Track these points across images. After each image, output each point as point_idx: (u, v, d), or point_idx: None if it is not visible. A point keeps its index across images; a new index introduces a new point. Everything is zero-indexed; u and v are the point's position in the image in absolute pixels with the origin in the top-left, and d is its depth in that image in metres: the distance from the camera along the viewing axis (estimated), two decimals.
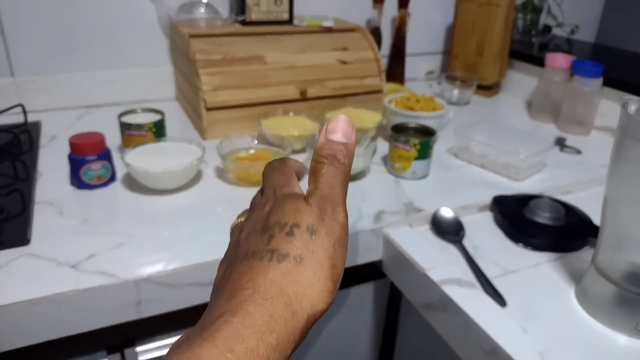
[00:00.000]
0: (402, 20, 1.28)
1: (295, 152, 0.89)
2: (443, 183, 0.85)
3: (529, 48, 1.38)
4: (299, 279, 0.27)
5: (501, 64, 1.30)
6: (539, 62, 1.24)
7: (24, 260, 0.60)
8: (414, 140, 0.82)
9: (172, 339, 0.67)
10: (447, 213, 0.74)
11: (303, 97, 1.01)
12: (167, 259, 0.61)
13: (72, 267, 0.59)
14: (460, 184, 0.85)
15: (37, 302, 0.55)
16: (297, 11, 1.16)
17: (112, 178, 0.78)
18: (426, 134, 0.87)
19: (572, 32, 1.52)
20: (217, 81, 0.95)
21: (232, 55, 0.98)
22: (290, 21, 1.10)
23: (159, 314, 0.61)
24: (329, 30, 1.11)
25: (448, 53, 1.42)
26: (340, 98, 1.05)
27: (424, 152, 0.83)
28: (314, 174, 0.31)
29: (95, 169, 0.75)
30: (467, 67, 1.35)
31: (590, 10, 1.70)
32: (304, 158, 0.90)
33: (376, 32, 1.27)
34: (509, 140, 0.90)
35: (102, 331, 0.60)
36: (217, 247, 0.63)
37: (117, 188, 0.78)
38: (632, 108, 0.53)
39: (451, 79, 1.29)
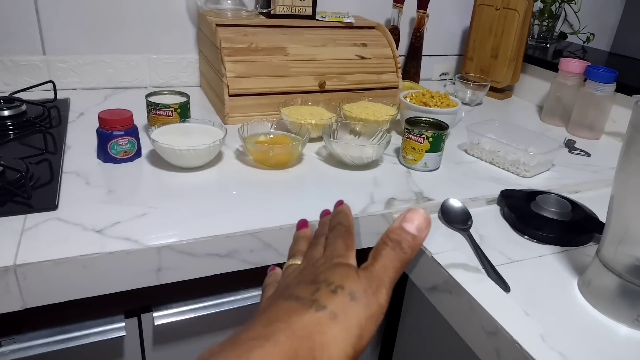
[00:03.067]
0: (420, 21, 1.30)
1: (312, 139, 0.92)
2: (453, 176, 0.88)
3: (543, 54, 1.40)
4: (327, 332, 0.29)
5: (515, 68, 1.32)
6: (553, 67, 1.26)
7: (52, 223, 0.63)
8: (426, 133, 0.85)
9: (188, 307, 0.70)
10: (455, 203, 0.77)
11: (321, 89, 1.04)
12: (187, 230, 0.64)
13: (98, 232, 0.62)
14: (470, 178, 0.87)
15: (63, 262, 0.57)
16: (319, 7, 1.19)
17: (138, 154, 0.81)
18: (439, 128, 0.89)
19: (588, 40, 1.54)
20: (241, 69, 0.98)
21: (256, 45, 1.01)
22: (313, 16, 1.14)
23: (177, 281, 0.65)
24: (349, 26, 1.14)
25: (463, 55, 1.44)
26: (357, 92, 1.08)
27: (436, 145, 0.86)
28: (376, 251, 0.34)
29: (122, 143, 0.78)
30: (482, 69, 1.37)
31: (607, 20, 1.71)
32: (319, 146, 0.93)
33: (395, 31, 1.30)
34: (519, 139, 0.92)
35: (121, 295, 0.62)
36: (235, 222, 0.66)
37: (141, 163, 0.81)
38: None
39: (465, 79, 1.31)
